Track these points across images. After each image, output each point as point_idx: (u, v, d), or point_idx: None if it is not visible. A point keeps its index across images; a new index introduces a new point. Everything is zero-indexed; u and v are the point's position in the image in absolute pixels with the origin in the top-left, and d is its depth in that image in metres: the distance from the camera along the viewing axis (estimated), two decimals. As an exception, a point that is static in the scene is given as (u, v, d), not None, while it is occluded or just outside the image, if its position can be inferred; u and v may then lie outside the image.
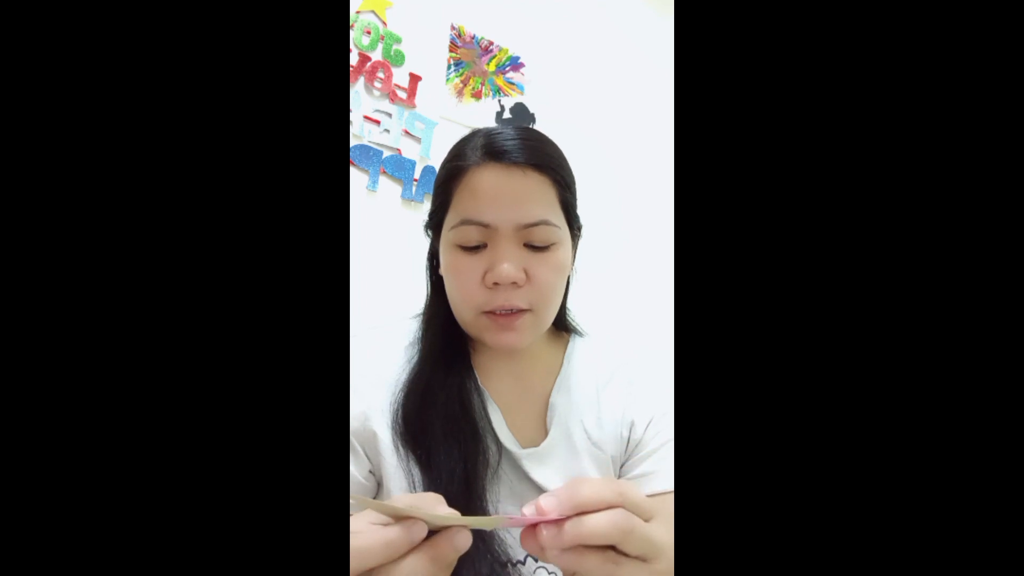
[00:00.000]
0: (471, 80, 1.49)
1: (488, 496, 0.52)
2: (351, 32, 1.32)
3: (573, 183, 0.57)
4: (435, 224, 0.57)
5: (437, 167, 0.59)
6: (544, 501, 0.30)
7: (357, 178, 1.33)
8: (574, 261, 0.59)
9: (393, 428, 0.53)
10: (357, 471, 0.54)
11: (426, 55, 1.43)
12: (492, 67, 1.52)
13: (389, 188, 1.37)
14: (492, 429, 0.56)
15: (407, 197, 1.38)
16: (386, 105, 1.37)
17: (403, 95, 1.39)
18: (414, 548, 0.30)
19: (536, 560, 0.53)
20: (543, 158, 0.52)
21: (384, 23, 1.37)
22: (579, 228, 0.59)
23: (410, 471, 0.52)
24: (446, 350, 0.57)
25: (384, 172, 1.36)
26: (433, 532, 0.31)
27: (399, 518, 0.30)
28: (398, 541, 0.30)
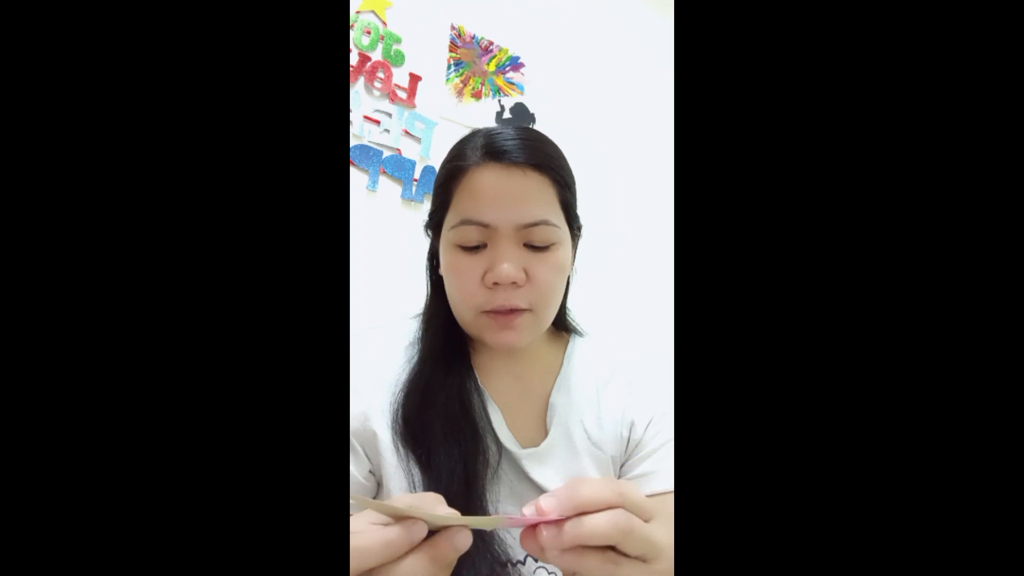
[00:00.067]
0: (471, 80, 1.49)
1: (488, 496, 0.52)
2: (351, 32, 1.32)
3: (573, 183, 0.57)
4: (435, 224, 0.57)
5: (437, 167, 0.59)
6: (544, 501, 0.30)
7: (357, 178, 1.33)
8: (574, 261, 0.59)
9: (393, 428, 0.53)
10: (357, 471, 0.54)
11: (426, 55, 1.43)
12: (492, 67, 1.52)
13: (389, 188, 1.37)
14: (492, 429, 0.56)
15: (407, 197, 1.38)
16: (386, 105, 1.37)
17: (403, 95, 1.39)
18: (414, 548, 0.30)
19: (536, 560, 0.53)
20: (543, 158, 0.52)
21: (384, 23, 1.37)
22: (579, 228, 0.59)
23: (410, 471, 0.52)
24: (446, 350, 0.57)
25: (384, 172, 1.36)
26: (433, 532, 0.31)
27: (399, 518, 0.30)
28: (398, 541, 0.30)
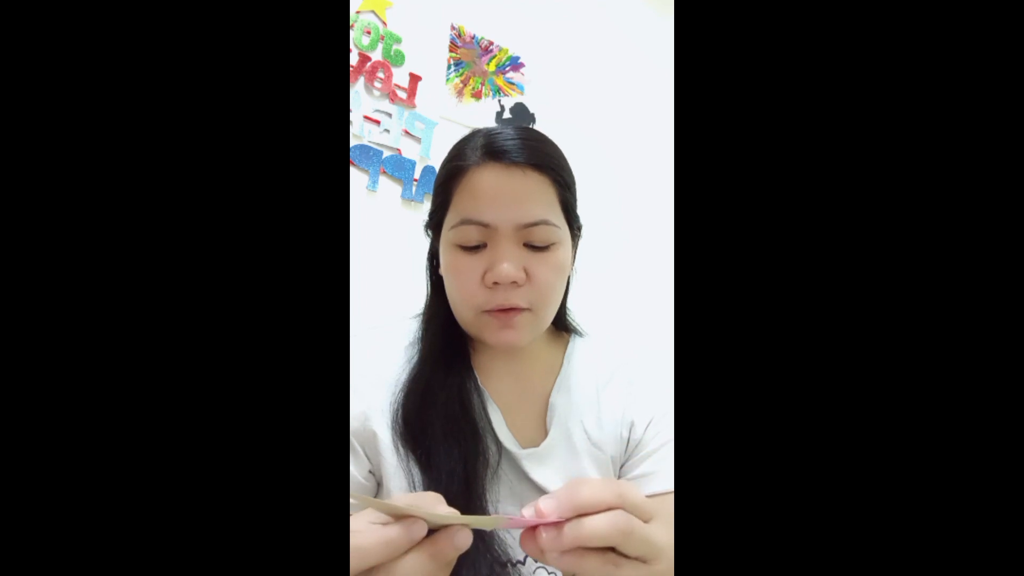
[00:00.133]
0: (471, 80, 1.49)
1: (488, 496, 0.52)
2: (351, 32, 1.32)
3: (573, 183, 0.57)
4: (435, 224, 0.57)
5: (437, 167, 0.59)
6: (543, 503, 0.30)
7: (357, 178, 1.33)
8: (574, 261, 0.59)
9: (393, 428, 0.53)
10: (357, 471, 0.54)
11: (426, 55, 1.43)
12: (492, 67, 1.52)
13: (389, 188, 1.37)
14: (492, 429, 0.56)
15: (407, 197, 1.38)
16: (386, 105, 1.37)
17: (403, 95, 1.39)
18: (414, 547, 0.30)
19: (536, 560, 0.53)
20: (543, 158, 0.52)
21: (384, 23, 1.37)
22: (579, 228, 0.59)
23: (410, 471, 0.52)
24: (446, 350, 0.57)
25: (384, 172, 1.36)
26: (433, 531, 0.31)
27: (399, 517, 0.30)
28: (398, 540, 0.30)
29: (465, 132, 0.57)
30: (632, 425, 0.58)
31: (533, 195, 0.51)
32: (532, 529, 0.30)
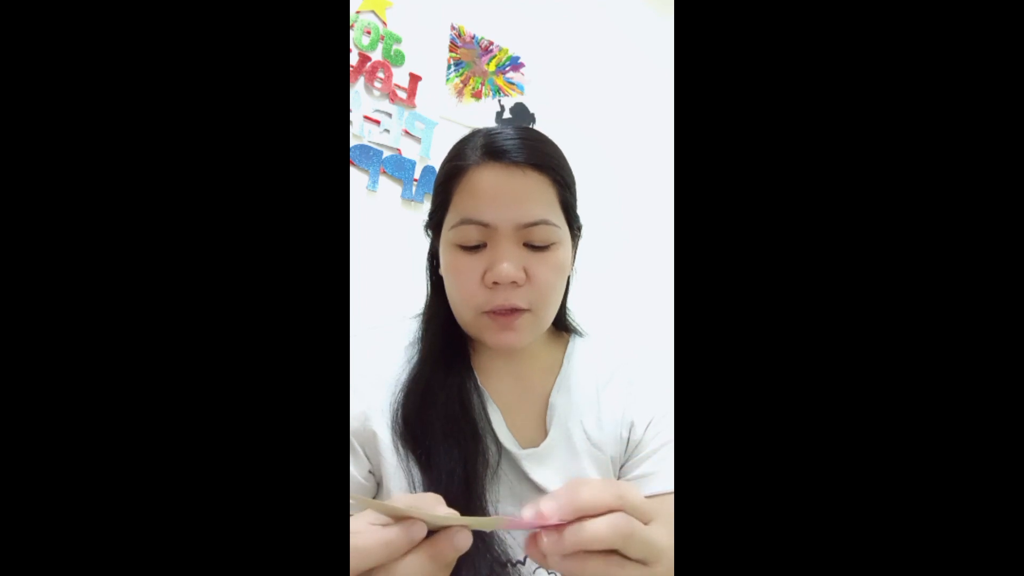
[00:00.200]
0: (471, 80, 1.49)
1: (488, 496, 0.51)
2: (351, 32, 1.32)
3: (573, 183, 0.57)
4: (435, 224, 0.57)
5: (437, 167, 0.59)
6: (544, 505, 0.30)
7: (357, 178, 1.33)
8: (574, 261, 0.59)
9: (393, 428, 0.53)
10: (357, 471, 0.54)
11: (426, 55, 1.43)
12: (492, 67, 1.52)
13: (389, 188, 1.37)
14: (492, 429, 0.56)
15: (407, 197, 1.38)
16: (386, 105, 1.37)
17: (403, 95, 1.39)
18: (413, 548, 0.30)
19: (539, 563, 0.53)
20: (543, 158, 0.52)
21: (384, 23, 1.37)
22: (579, 228, 0.59)
23: (410, 471, 0.52)
24: (446, 350, 0.57)
25: (384, 172, 1.36)
26: (433, 532, 0.31)
27: (398, 518, 0.30)
28: (397, 541, 0.30)
29: (465, 132, 0.57)
30: (632, 425, 0.58)
31: (533, 195, 0.51)
32: (534, 535, 0.30)
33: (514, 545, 0.52)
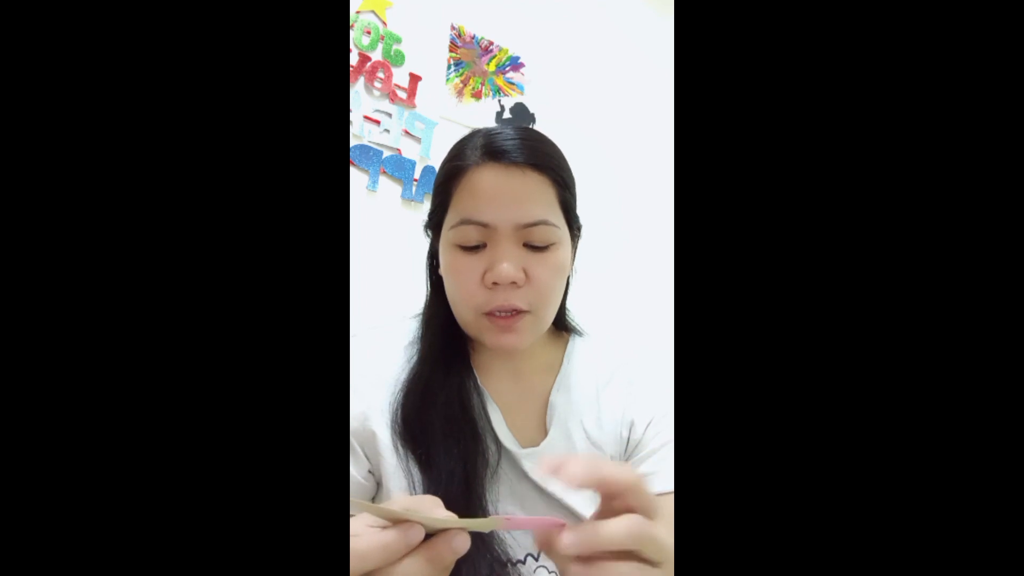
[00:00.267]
0: (471, 80, 1.49)
1: (488, 496, 0.51)
2: (351, 32, 1.32)
3: (573, 183, 0.57)
4: (435, 224, 0.57)
5: (437, 167, 0.59)
6: (571, 466, 0.30)
7: (357, 178, 1.33)
8: (574, 261, 0.59)
9: (393, 428, 0.53)
10: (356, 471, 0.54)
11: (426, 55, 1.43)
12: (492, 67, 1.52)
13: (389, 188, 1.37)
14: (492, 429, 0.56)
15: (407, 197, 1.38)
16: (386, 105, 1.37)
17: (403, 95, 1.39)
18: (411, 551, 0.30)
19: (536, 559, 0.53)
20: (543, 158, 0.52)
21: (384, 23, 1.37)
22: (579, 228, 0.59)
23: (410, 471, 0.52)
24: (446, 350, 0.57)
25: (384, 172, 1.36)
26: (431, 535, 0.31)
27: (396, 521, 0.30)
28: (395, 544, 0.30)
29: (465, 132, 0.57)
30: (632, 425, 0.58)
31: (533, 195, 0.51)
32: (549, 532, 0.30)
33: (514, 545, 0.52)
